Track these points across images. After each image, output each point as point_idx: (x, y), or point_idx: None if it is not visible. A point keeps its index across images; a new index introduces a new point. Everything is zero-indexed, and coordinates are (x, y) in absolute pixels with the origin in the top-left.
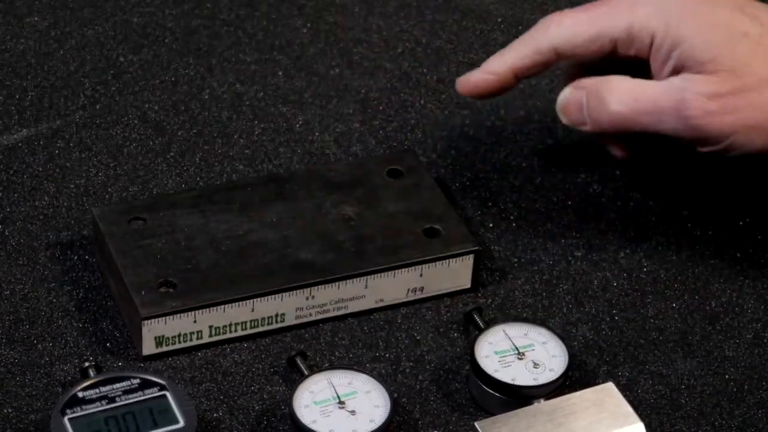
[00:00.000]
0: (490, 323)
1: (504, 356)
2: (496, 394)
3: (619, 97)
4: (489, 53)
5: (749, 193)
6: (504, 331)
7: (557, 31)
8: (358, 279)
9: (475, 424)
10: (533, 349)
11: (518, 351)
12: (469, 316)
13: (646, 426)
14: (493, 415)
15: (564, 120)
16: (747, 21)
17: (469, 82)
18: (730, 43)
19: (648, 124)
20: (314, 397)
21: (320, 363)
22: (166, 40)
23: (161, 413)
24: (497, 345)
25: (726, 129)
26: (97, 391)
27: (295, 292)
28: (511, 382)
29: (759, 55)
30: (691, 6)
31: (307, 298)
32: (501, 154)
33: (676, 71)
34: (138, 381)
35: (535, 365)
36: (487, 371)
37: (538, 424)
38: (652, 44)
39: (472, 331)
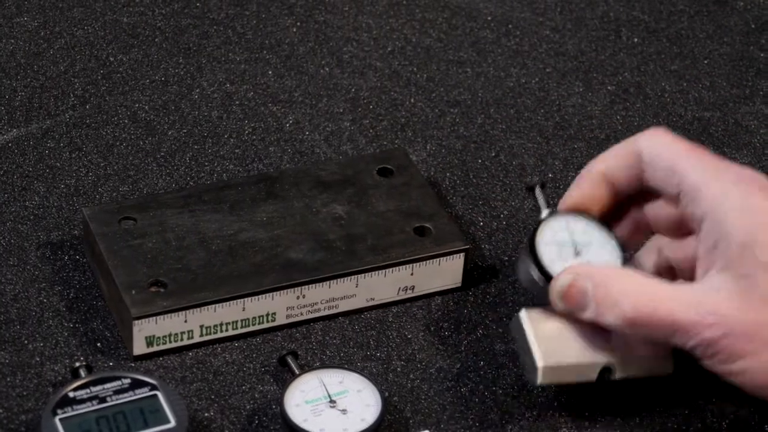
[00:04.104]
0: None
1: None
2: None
3: (636, 301)
4: (479, 52)
5: None
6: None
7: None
8: (348, 278)
9: (521, 312)
10: None
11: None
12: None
13: (636, 423)
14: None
15: (559, 306)
16: None
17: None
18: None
19: (661, 335)
20: (305, 396)
21: (311, 362)
22: (156, 40)
23: (152, 413)
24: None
25: (744, 350)
26: (88, 391)
27: (285, 291)
28: None
29: None
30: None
31: (297, 298)
32: (491, 153)
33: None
34: (129, 381)
35: None
36: (543, 262)
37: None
38: (699, 232)
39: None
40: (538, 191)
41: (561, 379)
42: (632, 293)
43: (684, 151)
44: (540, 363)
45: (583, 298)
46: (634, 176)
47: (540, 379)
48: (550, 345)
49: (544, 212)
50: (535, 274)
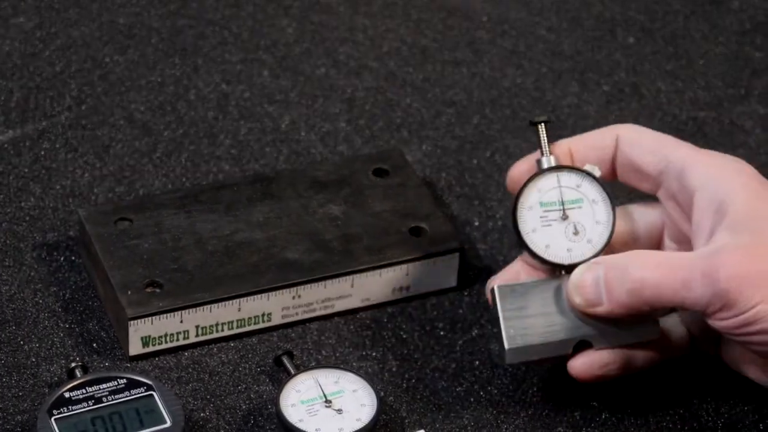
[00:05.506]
0: None
1: None
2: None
3: (644, 263)
4: (475, 52)
5: None
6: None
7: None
8: (344, 278)
9: (495, 286)
10: None
11: None
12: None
13: (632, 422)
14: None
15: (577, 300)
16: None
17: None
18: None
19: (673, 293)
20: (301, 396)
21: (307, 362)
22: (152, 41)
23: (148, 413)
24: None
25: (756, 296)
26: (84, 391)
27: (281, 291)
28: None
29: None
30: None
31: (293, 298)
32: (486, 153)
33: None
34: (125, 381)
35: (576, 232)
36: (522, 232)
37: (555, 295)
38: (693, 202)
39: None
40: (541, 129)
41: (532, 357)
42: (642, 259)
43: (664, 135)
44: (507, 344)
45: (596, 289)
46: (603, 158)
47: (508, 360)
48: (521, 322)
49: (544, 159)
50: (516, 241)
